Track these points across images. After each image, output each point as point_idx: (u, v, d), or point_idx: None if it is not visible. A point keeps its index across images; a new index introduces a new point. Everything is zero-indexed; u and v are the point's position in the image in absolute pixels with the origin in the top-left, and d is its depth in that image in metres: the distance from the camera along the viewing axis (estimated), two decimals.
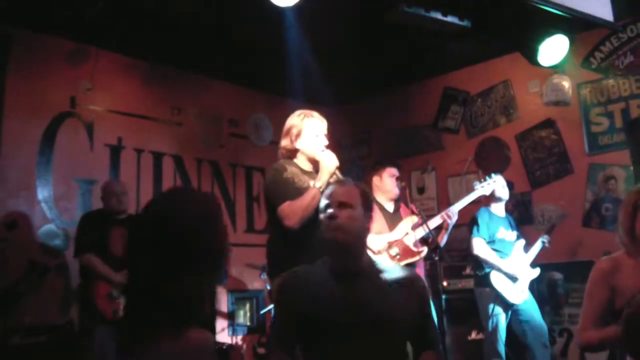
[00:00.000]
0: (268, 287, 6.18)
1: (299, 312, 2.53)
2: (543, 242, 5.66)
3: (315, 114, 3.87)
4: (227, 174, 7.48)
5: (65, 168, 5.98)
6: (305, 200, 3.47)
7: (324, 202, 2.66)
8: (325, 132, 3.83)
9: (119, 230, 5.20)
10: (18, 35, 5.72)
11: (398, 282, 2.63)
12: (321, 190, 3.42)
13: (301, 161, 3.80)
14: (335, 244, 2.58)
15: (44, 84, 5.91)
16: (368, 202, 2.69)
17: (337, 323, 2.47)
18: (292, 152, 3.80)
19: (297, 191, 3.59)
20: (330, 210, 2.59)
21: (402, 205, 5.15)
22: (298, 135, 3.76)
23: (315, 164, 3.78)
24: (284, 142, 3.82)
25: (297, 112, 3.85)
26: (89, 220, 5.32)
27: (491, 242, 5.61)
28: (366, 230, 2.69)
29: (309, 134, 3.76)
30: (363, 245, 2.69)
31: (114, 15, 5.36)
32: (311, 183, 3.62)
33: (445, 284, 6.18)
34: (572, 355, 6.05)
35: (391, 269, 2.71)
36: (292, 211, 3.47)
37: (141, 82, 6.71)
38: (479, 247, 5.57)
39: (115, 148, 6.44)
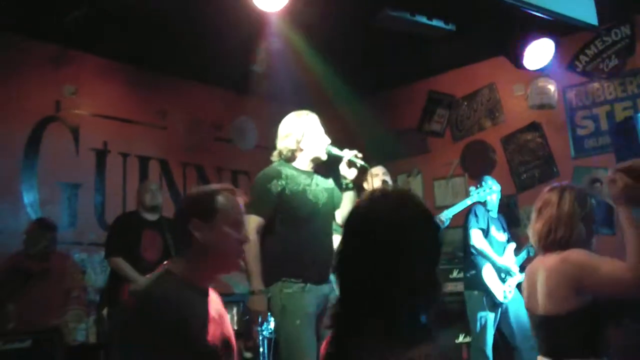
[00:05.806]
0: None
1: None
2: (528, 251, 5.62)
3: (312, 113, 3.84)
4: (213, 178, 7.43)
5: (51, 172, 5.94)
6: (248, 267, 3.49)
7: (236, 216, 2.31)
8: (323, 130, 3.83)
9: (150, 233, 5.21)
10: (1, 39, 5.66)
11: None
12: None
13: (301, 161, 3.75)
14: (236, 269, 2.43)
15: (28, 88, 5.87)
16: None
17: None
18: (294, 153, 3.75)
19: (287, 197, 3.57)
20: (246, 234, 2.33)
21: None
22: (302, 135, 3.72)
23: (318, 163, 3.78)
24: (285, 144, 3.74)
25: (294, 114, 3.81)
26: (120, 223, 5.35)
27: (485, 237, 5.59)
28: None
29: (313, 133, 3.75)
30: None
31: (98, 19, 5.33)
32: (307, 184, 3.64)
33: None
34: None
35: None
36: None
37: (126, 86, 6.68)
38: (477, 238, 5.51)
39: (101, 152, 6.40)
